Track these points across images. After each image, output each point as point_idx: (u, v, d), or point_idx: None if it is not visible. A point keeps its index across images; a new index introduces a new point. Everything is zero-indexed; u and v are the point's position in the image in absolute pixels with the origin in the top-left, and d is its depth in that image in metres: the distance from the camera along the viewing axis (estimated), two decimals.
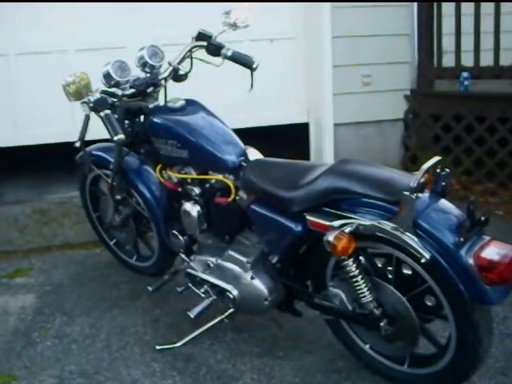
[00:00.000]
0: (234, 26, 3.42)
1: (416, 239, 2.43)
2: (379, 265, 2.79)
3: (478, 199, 5.37)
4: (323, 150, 5.97)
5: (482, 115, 5.70)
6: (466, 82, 5.86)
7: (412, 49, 6.11)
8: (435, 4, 5.95)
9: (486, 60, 5.76)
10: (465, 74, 5.85)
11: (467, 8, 5.78)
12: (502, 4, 5.60)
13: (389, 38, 5.94)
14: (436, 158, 2.51)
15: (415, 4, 6.00)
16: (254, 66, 3.34)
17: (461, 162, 5.87)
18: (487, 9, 5.67)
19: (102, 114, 3.05)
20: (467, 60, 5.90)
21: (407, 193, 2.38)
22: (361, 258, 2.75)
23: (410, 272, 2.65)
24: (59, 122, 5.57)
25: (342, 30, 5.82)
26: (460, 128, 5.85)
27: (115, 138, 3.00)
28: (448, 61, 6.10)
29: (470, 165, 5.82)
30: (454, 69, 5.98)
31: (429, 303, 2.68)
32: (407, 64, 6.12)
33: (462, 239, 2.38)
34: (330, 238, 2.52)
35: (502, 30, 5.63)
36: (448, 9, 5.92)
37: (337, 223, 2.59)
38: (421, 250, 2.40)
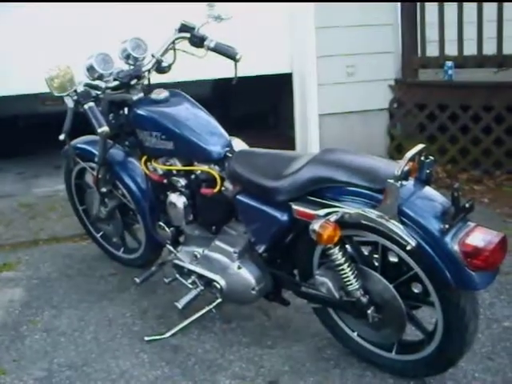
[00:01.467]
0: (219, 18, 3.43)
1: (401, 227, 2.44)
2: (365, 253, 2.80)
3: (464, 187, 5.42)
4: (308, 141, 5.99)
5: (467, 104, 5.73)
6: (449, 71, 5.90)
7: (396, 39, 6.13)
8: None
9: (470, 49, 5.79)
10: (449, 63, 5.89)
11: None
12: None
13: (372, 28, 5.96)
14: (420, 146, 2.52)
15: None
16: (238, 57, 3.35)
17: (446, 150, 5.91)
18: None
19: (85, 106, 3.05)
20: (451, 50, 5.92)
21: (391, 181, 2.40)
22: (347, 246, 2.77)
23: (396, 259, 2.67)
24: None
25: (326, 20, 5.82)
26: (445, 117, 5.88)
27: (99, 131, 3.00)
28: (432, 50, 6.11)
29: (455, 153, 5.86)
30: (438, 58, 6.01)
31: (416, 290, 2.71)
32: (391, 54, 6.14)
33: (446, 226, 2.40)
34: (316, 226, 2.53)
35: (484, 20, 5.65)
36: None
37: (322, 212, 2.60)
38: (406, 238, 2.42)
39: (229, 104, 8.12)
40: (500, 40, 5.60)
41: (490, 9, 5.60)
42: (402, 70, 6.19)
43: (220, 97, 7.58)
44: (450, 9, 5.81)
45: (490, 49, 5.70)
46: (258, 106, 8.17)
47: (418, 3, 5.99)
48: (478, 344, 3.06)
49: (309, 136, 6.01)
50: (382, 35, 6.05)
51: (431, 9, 5.94)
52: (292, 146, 6.16)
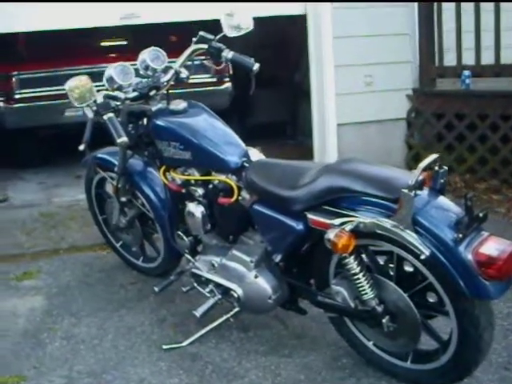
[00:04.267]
0: (238, 28, 3.46)
1: (415, 236, 2.47)
2: (381, 262, 2.82)
3: (482, 196, 5.42)
4: (326, 150, 6.02)
5: (484, 113, 5.73)
6: (467, 81, 5.90)
7: (413, 48, 6.16)
8: (435, 3, 5.98)
9: (487, 58, 5.79)
10: (466, 73, 5.89)
11: (468, 6, 5.82)
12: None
13: (390, 37, 6.00)
14: (433, 156, 2.54)
15: (415, 3, 6.04)
16: (254, 68, 3.38)
17: (464, 159, 5.91)
18: (487, 6, 5.70)
19: (105, 117, 3.10)
20: (468, 58, 5.93)
21: (406, 190, 2.43)
22: (363, 255, 2.79)
23: (411, 269, 2.69)
24: None
25: (343, 30, 5.85)
26: (463, 126, 5.89)
27: (118, 141, 3.06)
28: (450, 59, 6.12)
29: (473, 162, 5.86)
30: (456, 67, 6.01)
31: (430, 300, 2.72)
32: (409, 63, 6.17)
33: (460, 235, 2.42)
34: (331, 235, 2.56)
35: (502, 28, 5.65)
36: (448, 8, 5.94)
37: (337, 221, 2.63)
38: (420, 247, 2.44)
39: (247, 114, 8.19)
40: None
41: (507, 17, 5.59)
42: (420, 80, 6.21)
43: (239, 107, 7.64)
44: (468, 18, 5.80)
45: (507, 57, 5.69)
46: (276, 116, 8.23)
47: (435, 13, 5.99)
48: (495, 354, 3.06)
49: (327, 145, 6.04)
50: (400, 45, 6.08)
51: (448, 18, 5.93)
52: (310, 156, 6.18)
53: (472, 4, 5.76)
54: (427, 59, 6.14)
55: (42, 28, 5.52)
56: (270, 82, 8.23)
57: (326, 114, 6.07)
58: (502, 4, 5.63)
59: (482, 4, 5.73)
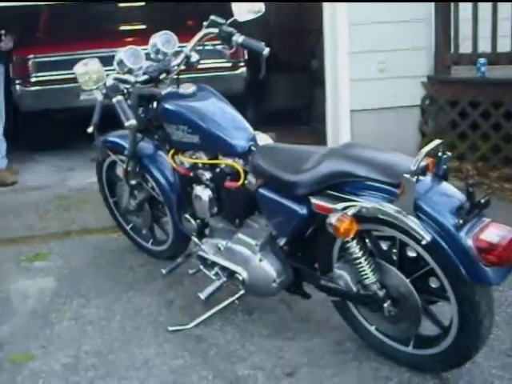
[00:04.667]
0: (258, 12, 3.46)
1: (417, 221, 2.48)
2: (384, 247, 2.84)
3: (493, 185, 5.41)
4: (340, 137, 6.01)
5: (499, 101, 5.69)
6: (482, 68, 5.86)
7: (429, 35, 6.11)
8: None
9: (503, 46, 5.75)
10: (481, 60, 5.84)
11: None
12: None
13: (405, 24, 5.95)
14: (436, 142, 2.55)
15: None
16: (264, 52, 3.37)
17: (477, 147, 5.89)
18: None
19: (114, 100, 3.14)
20: (484, 47, 5.89)
21: (408, 175, 2.44)
22: (366, 240, 2.81)
23: (413, 254, 2.70)
24: None
25: (358, 17, 5.85)
26: (476, 114, 5.86)
27: (126, 124, 3.09)
28: (465, 48, 6.09)
29: (486, 150, 5.83)
30: (471, 55, 5.97)
31: (432, 285, 2.74)
32: (424, 50, 6.13)
33: (461, 221, 2.43)
34: (333, 220, 2.58)
35: None
36: None
37: (340, 206, 2.64)
38: (421, 232, 2.45)
39: (263, 100, 8.21)
40: None
41: None
42: (435, 67, 6.17)
43: (254, 93, 7.65)
44: (484, 5, 5.76)
45: None
46: (291, 102, 8.24)
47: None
48: (498, 341, 3.07)
49: (340, 131, 6.04)
50: (415, 31, 6.04)
51: (465, 5, 5.90)
52: (324, 142, 6.19)
53: None
54: (443, 46, 6.10)
55: None
56: (286, 68, 8.26)
57: (339, 100, 6.07)
58: None
59: None
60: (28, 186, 6.01)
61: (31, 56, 6.74)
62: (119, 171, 4.11)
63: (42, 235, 4.74)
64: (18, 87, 6.77)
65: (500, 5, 5.67)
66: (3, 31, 6.01)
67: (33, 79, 6.74)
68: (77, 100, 6.59)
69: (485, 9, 5.72)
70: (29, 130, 7.19)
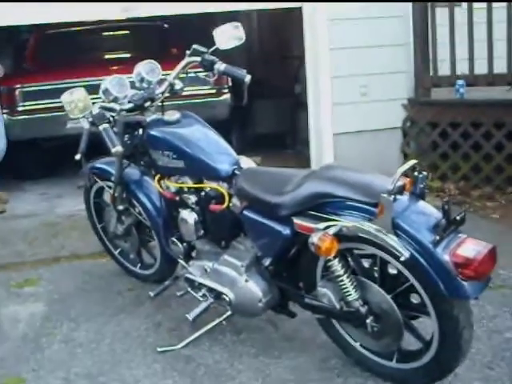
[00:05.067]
0: (239, 39, 3.58)
1: (395, 239, 2.57)
2: (366, 265, 2.92)
3: (475, 204, 5.54)
4: (323, 160, 6.10)
5: (478, 121, 5.84)
6: (461, 90, 6.02)
7: (408, 59, 6.26)
8: (430, 14, 6.09)
9: (480, 68, 5.90)
10: (460, 82, 6.00)
11: (462, 17, 5.93)
12: (495, 12, 5.74)
13: (385, 48, 6.10)
14: (412, 162, 2.66)
15: (410, 15, 6.15)
16: (246, 79, 3.48)
17: (459, 167, 6.02)
18: (480, 19, 5.81)
19: (100, 127, 3.23)
20: (462, 69, 6.04)
21: (385, 195, 2.53)
22: (348, 259, 2.90)
23: (394, 272, 2.79)
24: None
25: (339, 42, 5.99)
26: (457, 134, 5.99)
27: (113, 150, 3.19)
28: (444, 70, 6.23)
29: (467, 170, 5.96)
30: (450, 77, 6.12)
31: (413, 301, 2.82)
32: (404, 73, 6.27)
33: (438, 237, 2.52)
34: (315, 239, 2.67)
35: (494, 39, 5.76)
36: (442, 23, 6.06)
37: (321, 225, 2.73)
38: (400, 249, 2.54)
39: (247, 125, 8.32)
40: (510, 58, 5.71)
41: (499, 28, 5.70)
42: (415, 89, 6.32)
43: (239, 118, 7.76)
44: (461, 28, 5.91)
45: (499, 67, 5.80)
46: (275, 126, 8.35)
47: (430, 23, 6.10)
48: (479, 354, 3.16)
49: (323, 155, 6.14)
50: (395, 55, 6.19)
51: (443, 29, 6.04)
52: (308, 165, 6.27)
53: (466, 17, 5.88)
54: (422, 69, 6.25)
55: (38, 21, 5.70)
56: (270, 93, 8.39)
57: (322, 124, 6.18)
58: (494, 16, 5.74)
59: (475, 17, 5.84)
60: (16, 213, 6.06)
61: (18, 85, 6.82)
62: (106, 197, 4.18)
63: (32, 261, 4.79)
64: (5, 116, 6.82)
65: (476, 28, 5.82)
66: None
67: (20, 108, 6.82)
68: (63, 128, 6.62)
69: (462, 32, 5.88)
70: (16, 158, 7.24)
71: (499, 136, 5.72)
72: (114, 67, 6.61)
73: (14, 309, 4.02)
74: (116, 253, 4.37)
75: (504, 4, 5.70)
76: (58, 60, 7.12)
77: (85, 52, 7.11)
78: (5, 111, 6.78)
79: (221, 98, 7.28)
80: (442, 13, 6.07)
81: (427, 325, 2.96)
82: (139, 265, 4.24)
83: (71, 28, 7.31)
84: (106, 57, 7.94)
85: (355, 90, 6.16)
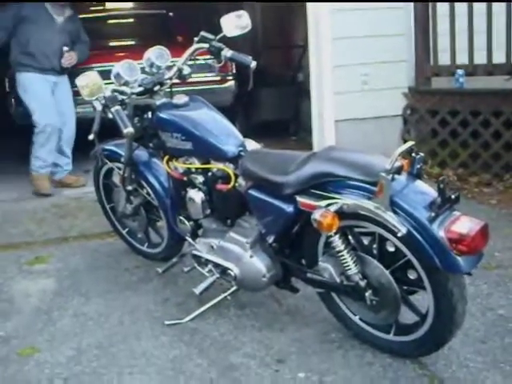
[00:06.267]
0: (245, 27, 3.72)
1: (393, 216, 2.71)
2: (365, 242, 3.07)
3: (473, 190, 5.68)
4: (325, 145, 6.22)
5: (477, 110, 5.97)
6: (461, 79, 6.14)
7: (409, 48, 6.39)
8: (430, 5, 6.22)
9: (480, 58, 6.03)
10: (460, 72, 6.12)
11: (462, 8, 6.05)
12: (494, 4, 5.86)
13: (386, 38, 6.24)
14: (409, 143, 2.80)
15: (411, 5, 6.28)
16: (252, 65, 3.63)
17: (457, 154, 6.16)
18: (480, 9, 5.93)
19: (112, 109, 3.37)
20: (463, 59, 6.17)
21: (384, 174, 2.68)
22: (349, 236, 3.05)
23: (392, 248, 2.94)
24: None
25: (342, 31, 6.13)
26: (456, 122, 6.13)
27: (124, 131, 3.33)
28: (444, 59, 6.35)
29: (466, 157, 6.10)
30: (450, 66, 6.25)
31: (410, 276, 2.97)
32: (404, 63, 6.42)
33: (433, 215, 2.66)
34: (317, 215, 2.81)
35: (494, 29, 5.87)
36: (443, 9, 6.18)
37: (323, 203, 2.87)
38: (397, 225, 2.68)
39: (251, 112, 8.45)
40: (509, 49, 5.82)
41: (497, 20, 5.82)
42: (416, 78, 6.45)
43: (242, 105, 7.90)
44: (461, 19, 6.04)
45: (498, 58, 5.92)
46: (278, 113, 8.48)
47: (431, 15, 6.22)
48: (473, 329, 3.30)
49: (325, 141, 6.24)
50: (396, 45, 6.32)
51: (443, 19, 6.17)
52: (310, 151, 6.40)
53: (466, 7, 6.00)
54: (422, 59, 6.37)
55: None
56: (274, 81, 8.53)
57: (324, 111, 6.31)
58: (494, 7, 5.85)
59: (475, 7, 5.96)
60: (26, 195, 6.21)
61: None
62: (115, 178, 4.33)
63: (42, 241, 4.95)
64: (13, 101, 6.96)
65: (476, 18, 5.95)
66: (66, 48, 6.18)
67: None
68: None
69: (462, 22, 6.00)
70: (25, 142, 7.37)
71: (497, 124, 5.85)
72: (122, 53, 6.75)
73: (25, 284, 4.18)
74: (124, 232, 4.52)
75: None
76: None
77: (95, 39, 7.19)
78: (13, 96, 6.93)
79: (225, 84, 7.42)
80: (442, 3, 6.18)
81: (423, 299, 3.13)
82: (146, 244, 4.38)
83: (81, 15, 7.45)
84: (115, 44, 8.08)
85: (357, 79, 6.29)
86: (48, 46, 6.07)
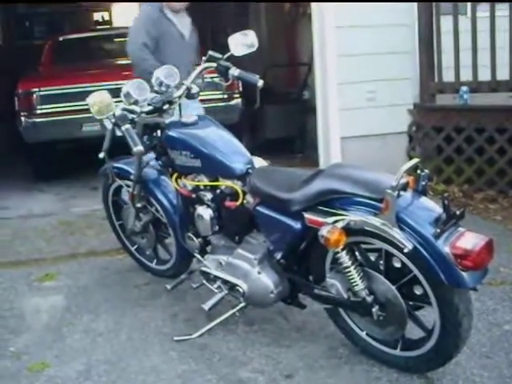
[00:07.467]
0: (252, 46, 3.79)
1: (399, 232, 2.76)
2: (372, 258, 3.12)
3: (478, 206, 5.71)
4: (331, 162, 6.27)
5: (481, 126, 6.02)
6: (465, 96, 6.19)
7: (413, 65, 6.46)
8: (434, 22, 6.28)
9: (484, 75, 6.09)
10: (464, 88, 6.17)
11: (465, 24, 6.11)
12: (497, 20, 5.92)
13: (391, 55, 6.30)
14: (414, 160, 2.85)
15: (416, 23, 6.35)
16: (259, 84, 3.69)
17: (462, 171, 6.19)
18: (484, 26, 5.99)
19: (122, 128, 3.42)
20: (467, 76, 6.23)
21: (389, 191, 2.72)
22: (356, 252, 3.09)
23: (398, 265, 2.98)
24: None
25: (346, 49, 6.20)
26: (461, 139, 6.17)
27: (134, 150, 3.38)
28: (449, 77, 6.41)
29: (471, 174, 6.14)
30: (454, 83, 6.30)
31: (416, 292, 3.00)
32: (409, 80, 6.47)
33: (439, 231, 2.71)
34: (324, 232, 2.86)
35: (497, 47, 5.93)
36: (447, 26, 6.24)
37: (330, 219, 2.93)
38: (403, 241, 2.73)
39: (257, 130, 8.51)
40: None
41: (501, 37, 5.88)
42: (420, 95, 6.51)
43: (249, 123, 7.95)
44: (465, 36, 6.10)
45: (502, 74, 5.97)
46: (285, 131, 8.53)
47: (435, 32, 6.29)
48: (479, 344, 3.34)
49: (331, 158, 6.30)
50: (401, 62, 6.39)
51: (447, 37, 6.22)
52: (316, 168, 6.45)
53: (469, 24, 6.06)
54: (427, 76, 6.43)
55: None
56: (280, 98, 8.59)
57: (330, 128, 6.38)
58: (497, 24, 5.91)
59: (478, 24, 6.02)
60: (34, 213, 6.27)
61: (36, 89, 7.00)
62: (124, 195, 4.38)
63: (51, 258, 5.00)
64: (23, 119, 7.03)
65: (479, 35, 6.01)
66: None
67: (37, 111, 6.98)
68: (79, 131, 6.86)
69: (466, 39, 6.06)
70: (33, 160, 7.45)
71: (502, 141, 5.89)
72: (127, 72, 6.82)
73: (35, 301, 4.23)
74: (133, 249, 4.56)
75: (506, 13, 5.86)
76: (75, 64, 7.33)
77: (100, 56, 7.29)
78: (22, 114, 7.00)
79: (232, 102, 7.47)
80: (446, 21, 6.23)
81: (429, 315, 3.16)
82: (155, 260, 4.42)
83: (85, 34, 7.54)
84: (119, 62, 8.14)
85: (362, 96, 6.34)
86: None
